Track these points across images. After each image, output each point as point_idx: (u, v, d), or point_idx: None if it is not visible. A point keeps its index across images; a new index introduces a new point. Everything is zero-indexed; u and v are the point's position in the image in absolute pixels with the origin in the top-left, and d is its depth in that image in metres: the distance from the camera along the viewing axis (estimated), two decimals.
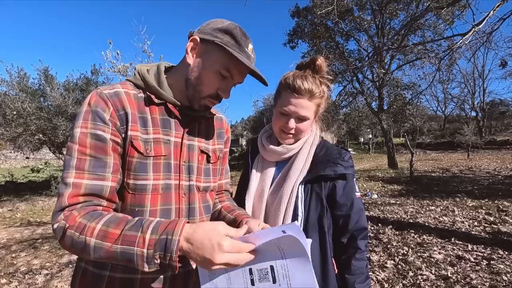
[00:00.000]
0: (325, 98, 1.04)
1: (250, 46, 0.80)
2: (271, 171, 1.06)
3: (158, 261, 0.59)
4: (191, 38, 0.79)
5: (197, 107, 0.83)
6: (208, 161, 0.91)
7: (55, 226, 0.64)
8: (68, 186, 0.66)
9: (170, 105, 0.81)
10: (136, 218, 0.65)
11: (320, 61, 1.01)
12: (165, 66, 0.89)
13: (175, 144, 0.82)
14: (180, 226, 0.61)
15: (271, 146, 1.06)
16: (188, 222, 0.63)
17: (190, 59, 0.80)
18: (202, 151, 0.89)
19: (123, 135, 0.74)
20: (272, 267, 0.62)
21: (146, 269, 0.60)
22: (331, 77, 1.04)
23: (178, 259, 0.59)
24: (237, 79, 0.82)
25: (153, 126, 0.79)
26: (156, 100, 0.80)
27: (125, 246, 0.60)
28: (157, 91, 0.80)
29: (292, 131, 1.00)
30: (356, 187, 1.02)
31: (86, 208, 0.66)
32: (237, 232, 0.64)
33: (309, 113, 0.99)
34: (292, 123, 0.99)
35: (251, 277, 0.63)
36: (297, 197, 0.96)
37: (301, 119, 0.99)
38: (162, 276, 0.77)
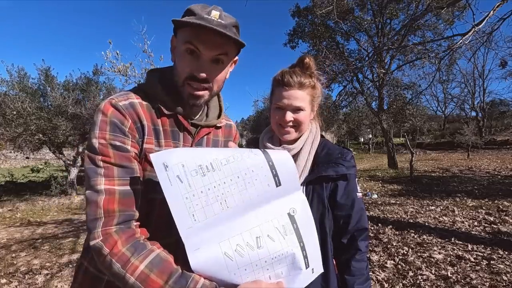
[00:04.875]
0: (319, 90, 1.04)
1: (215, 12, 0.74)
2: None
3: None
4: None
5: (186, 97, 0.80)
6: None
7: (93, 243, 0.64)
8: (100, 192, 0.65)
9: (180, 117, 0.82)
10: (180, 272, 0.62)
11: (308, 59, 1.01)
12: None
13: None
14: None
15: (271, 146, 1.05)
16: None
17: (173, 58, 0.83)
18: None
19: (140, 147, 0.75)
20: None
21: None
22: (320, 73, 1.05)
23: None
24: (204, 51, 0.74)
25: (165, 139, 0.80)
26: (166, 112, 0.80)
27: None
28: (166, 102, 0.80)
29: (291, 124, 1.00)
30: (358, 187, 1.02)
31: (126, 232, 0.65)
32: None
33: (304, 103, 0.99)
34: (289, 115, 0.98)
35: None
36: None
37: (296, 109, 0.99)
38: None
